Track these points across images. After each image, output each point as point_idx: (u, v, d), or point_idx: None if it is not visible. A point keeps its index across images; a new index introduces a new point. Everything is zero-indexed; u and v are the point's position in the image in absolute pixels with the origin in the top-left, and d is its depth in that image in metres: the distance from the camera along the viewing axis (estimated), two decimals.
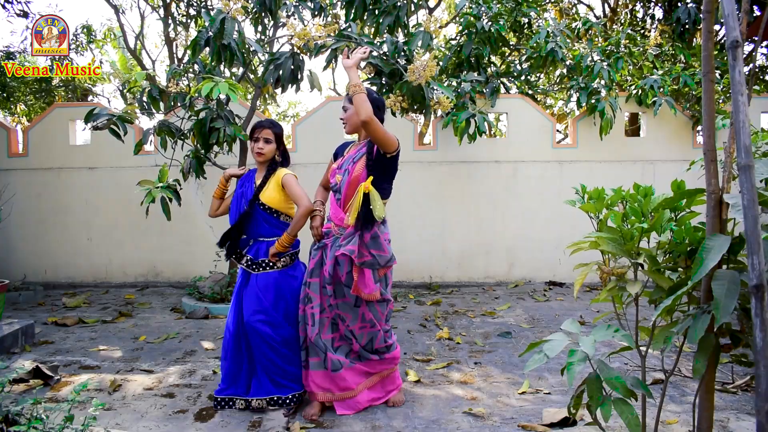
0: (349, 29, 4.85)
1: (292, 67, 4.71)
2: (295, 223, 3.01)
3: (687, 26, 6.87)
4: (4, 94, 8.47)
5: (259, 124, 3.15)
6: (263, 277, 3.04)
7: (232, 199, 3.22)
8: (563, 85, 7.73)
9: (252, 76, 5.91)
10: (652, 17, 8.78)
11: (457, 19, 7.14)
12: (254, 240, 3.11)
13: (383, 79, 4.92)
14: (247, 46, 4.86)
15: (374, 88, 4.98)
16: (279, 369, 3.02)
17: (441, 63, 6.57)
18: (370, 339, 2.98)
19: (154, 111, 5.14)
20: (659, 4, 8.45)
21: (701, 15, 1.70)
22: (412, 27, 5.49)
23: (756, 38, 5.41)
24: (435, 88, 4.58)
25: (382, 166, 2.87)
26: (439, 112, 6.39)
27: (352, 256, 2.78)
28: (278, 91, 5.01)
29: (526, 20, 7.19)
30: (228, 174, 3.28)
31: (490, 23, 6.23)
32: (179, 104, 4.96)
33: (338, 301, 2.92)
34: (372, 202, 2.79)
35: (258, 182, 3.13)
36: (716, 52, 6.53)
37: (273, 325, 3.00)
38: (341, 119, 3.01)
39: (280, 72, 4.71)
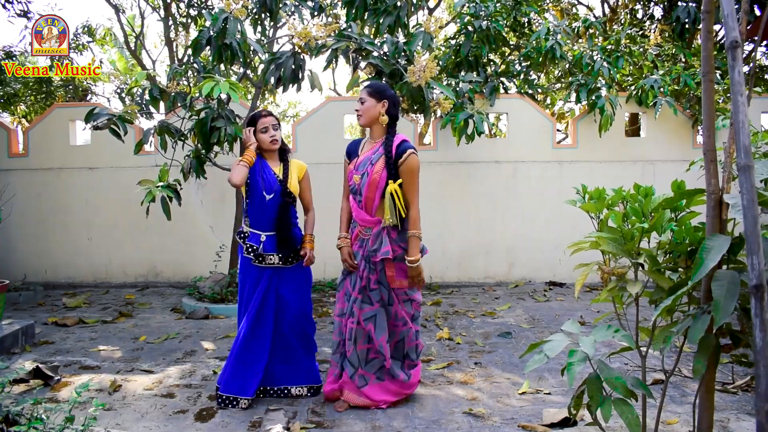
0: (350, 29, 4.85)
1: (293, 66, 4.71)
2: (312, 229, 3.28)
3: (687, 25, 6.87)
4: (5, 97, 8.45)
5: (259, 114, 3.13)
6: (297, 266, 3.20)
7: (254, 191, 3.11)
8: (563, 84, 7.72)
9: (252, 76, 5.91)
10: (652, 17, 8.77)
11: (457, 18, 7.14)
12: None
13: (383, 79, 4.91)
14: (248, 46, 4.87)
15: None
16: (309, 361, 3.25)
17: (440, 62, 6.56)
18: (401, 338, 3.04)
19: (154, 111, 5.14)
20: (659, 4, 8.45)
21: (701, 15, 1.70)
22: (413, 27, 5.49)
23: (756, 38, 5.41)
24: (434, 88, 4.58)
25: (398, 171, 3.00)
26: (439, 113, 6.39)
27: (388, 256, 2.91)
28: (279, 90, 5.02)
29: (526, 20, 7.18)
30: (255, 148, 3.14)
31: (488, 22, 6.23)
32: (179, 104, 4.96)
33: (369, 309, 2.99)
34: (389, 207, 2.90)
35: (279, 173, 3.15)
36: (716, 52, 6.53)
37: (310, 322, 3.26)
38: (356, 110, 3.03)
39: (281, 71, 4.71)
